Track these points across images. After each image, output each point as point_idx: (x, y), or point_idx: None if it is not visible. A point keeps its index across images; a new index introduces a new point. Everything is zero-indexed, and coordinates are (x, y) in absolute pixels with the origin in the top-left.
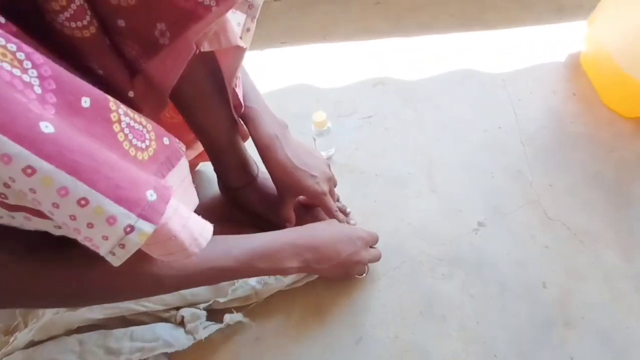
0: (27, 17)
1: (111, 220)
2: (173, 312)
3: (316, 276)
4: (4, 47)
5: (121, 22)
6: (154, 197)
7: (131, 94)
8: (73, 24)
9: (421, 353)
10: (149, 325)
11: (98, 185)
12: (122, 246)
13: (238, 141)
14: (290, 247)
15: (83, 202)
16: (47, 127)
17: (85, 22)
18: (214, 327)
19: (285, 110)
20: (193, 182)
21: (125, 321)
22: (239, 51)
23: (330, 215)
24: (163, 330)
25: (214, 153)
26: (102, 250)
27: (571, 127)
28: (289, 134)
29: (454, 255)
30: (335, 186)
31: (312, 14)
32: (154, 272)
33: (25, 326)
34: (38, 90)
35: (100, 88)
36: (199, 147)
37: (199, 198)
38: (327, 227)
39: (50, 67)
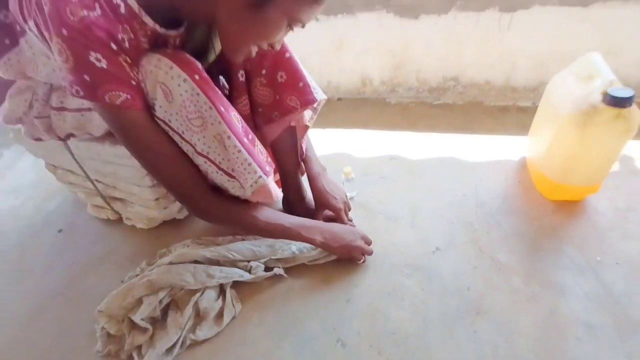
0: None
1: (256, 172)
2: (246, 263)
3: (333, 257)
4: (236, 116)
5: (260, 109)
6: (268, 168)
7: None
8: (242, 107)
9: (384, 315)
10: (231, 268)
11: (254, 159)
12: (255, 183)
13: (299, 174)
14: (318, 228)
15: (247, 163)
16: (245, 140)
17: (246, 107)
18: (268, 273)
19: (331, 167)
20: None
21: (219, 263)
22: (306, 128)
23: (342, 224)
24: (239, 270)
25: (284, 179)
26: (248, 183)
27: (512, 201)
28: (326, 173)
29: (417, 264)
30: (349, 210)
31: (359, 111)
32: (249, 217)
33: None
34: (241, 131)
35: None
36: (276, 177)
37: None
38: (340, 226)
39: (243, 123)
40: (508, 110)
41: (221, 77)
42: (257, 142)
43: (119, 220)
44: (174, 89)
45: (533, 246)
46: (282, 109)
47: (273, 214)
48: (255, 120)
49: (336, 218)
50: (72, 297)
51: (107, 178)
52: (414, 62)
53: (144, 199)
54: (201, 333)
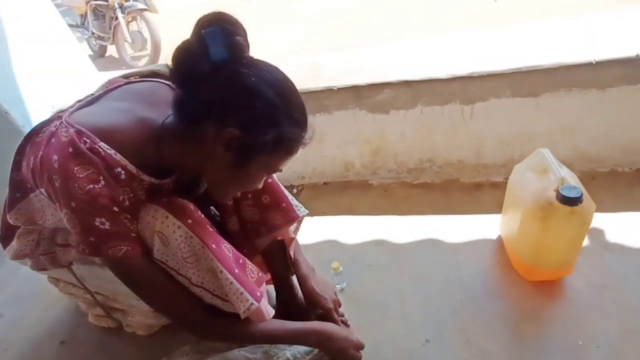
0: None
1: (247, 300)
2: None
3: (327, 358)
4: (227, 246)
5: (249, 225)
6: (259, 294)
7: (245, 251)
8: (232, 225)
9: None
10: None
11: (245, 287)
12: (248, 309)
13: (289, 276)
14: (314, 333)
15: (240, 292)
16: (236, 270)
17: (235, 224)
18: None
19: (320, 256)
20: None
21: None
22: (292, 239)
23: (334, 322)
24: None
25: (276, 281)
26: (241, 309)
27: (493, 284)
28: (314, 273)
29: (408, 359)
30: (340, 306)
31: (344, 196)
32: (251, 331)
33: None
34: (232, 259)
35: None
36: (268, 276)
37: None
38: (336, 327)
39: (233, 250)
40: (482, 186)
41: (212, 207)
42: (248, 264)
43: (120, 327)
44: (170, 235)
45: (517, 332)
46: (269, 227)
47: (268, 325)
48: (246, 233)
49: (327, 318)
50: None
51: (108, 291)
52: (391, 147)
53: (143, 311)
54: None
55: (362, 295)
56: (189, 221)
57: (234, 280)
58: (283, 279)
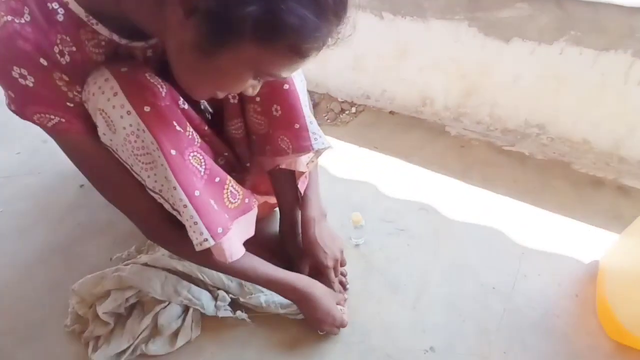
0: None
1: (201, 232)
2: (215, 290)
3: (301, 316)
4: (197, 157)
5: (254, 137)
6: (220, 230)
7: (248, 164)
8: (235, 131)
9: None
10: (200, 289)
11: (203, 217)
12: (201, 244)
13: (296, 210)
14: (291, 288)
15: (193, 221)
16: (197, 192)
17: (240, 130)
18: (229, 313)
19: (346, 197)
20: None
21: (191, 280)
22: (302, 174)
23: (328, 283)
24: (205, 296)
25: (281, 210)
26: (194, 241)
27: (556, 320)
28: (323, 220)
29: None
30: (342, 265)
31: (408, 134)
32: (215, 261)
33: (147, 253)
34: (202, 174)
35: (235, 164)
36: (272, 200)
37: (270, 227)
38: (322, 293)
39: (208, 163)
40: (603, 185)
41: (204, 101)
42: (230, 185)
43: None
44: (116, 120)
45: None
46: (273, 147)
47: (241, 260)
48: (250, 145)
49: (321, 275)
50: (67, 260)
51: None
52: (491, 92)
53: None
54: (153, 347)
55: (377, 263)
56: (146, 108)
57: (188, 204)
58: (288, 213)
